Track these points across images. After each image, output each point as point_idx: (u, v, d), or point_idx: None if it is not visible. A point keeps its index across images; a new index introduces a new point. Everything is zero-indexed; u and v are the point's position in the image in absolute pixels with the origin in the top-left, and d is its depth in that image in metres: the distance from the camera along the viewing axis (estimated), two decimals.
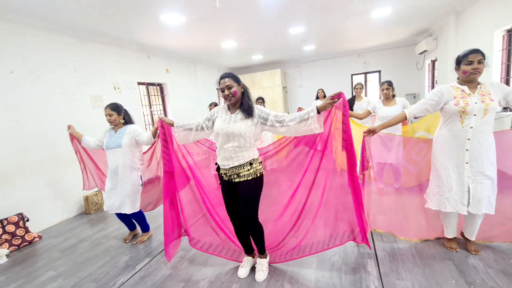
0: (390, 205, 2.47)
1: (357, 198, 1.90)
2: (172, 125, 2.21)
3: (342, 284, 1.92)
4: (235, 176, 1.86)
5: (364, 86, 4.44)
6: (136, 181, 2.67)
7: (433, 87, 7.02)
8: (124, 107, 2.74)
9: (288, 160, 2.19)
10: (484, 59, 1.84)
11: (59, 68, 3.78)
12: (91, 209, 3.89)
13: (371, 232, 2.55)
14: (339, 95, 1.73)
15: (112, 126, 2.70)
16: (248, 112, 1.82)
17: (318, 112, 1.71)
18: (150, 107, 5.83)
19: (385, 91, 3.20)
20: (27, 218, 3.17)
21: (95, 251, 2.77)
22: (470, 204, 1.94)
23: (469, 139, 1.88)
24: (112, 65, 4.67)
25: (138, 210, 2.73)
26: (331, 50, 7.97)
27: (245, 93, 1.88)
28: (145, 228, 2.91)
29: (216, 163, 1.98)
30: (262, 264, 2.08)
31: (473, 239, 2.12)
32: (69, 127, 3.00)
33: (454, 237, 2.20)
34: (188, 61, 6.96)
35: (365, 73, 8.64)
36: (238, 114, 1.86)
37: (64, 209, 3.77)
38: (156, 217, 3.35)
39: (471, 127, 1.87)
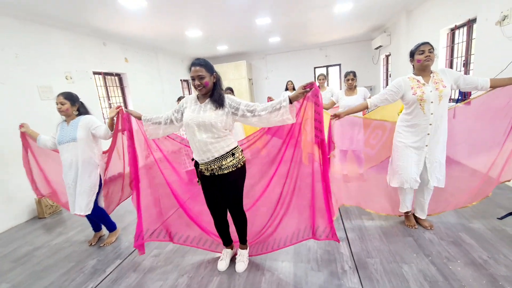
0: (355, 189, 2.67)
1: (327, 192, 1.82)
2: (139, 118, 2.08)
3: (318, 267, 2.03)
4: (217, 169, 1.80)
5: (326, 77, 4.63)
6: (94, 181, 2.42)
7: (387, 80, 7.61)
8: (80, 99, 2.49)
9: (263, 153, 2.16)
10: (433, 49, 2.07)
11: None
12: (45, 212, 3.52)
13: (339, 210, 2.71)
14: (311, 85, 1.67)
15: (64, 118, 2.43)
16: (218, 102, 1.74)
17: (291, 102, 1.66)
18: (109, 99, 5.39)
19: (350, 81, 3.38)
20: None
21: (55, 258, 2.52)
22: (429, 180, 2.19)
23: (430, 124, 2.10)
24: (62, 52, 4.19)
25: (90, 212, 2.44)
26: (295, 43, 8.13)
27: (217, 83, 1.79)
28: (111, 227, 2.72)
29: (193, 159, 1.91)
30: (243, 255, 2.10)
31: (424, 217, 2.40)
32: (21, 126, 2.62)
33: (412, 215, 2.46)
34: (149, 49, 6.54)
35: (327, 66, 9.01)
36: (208, 104, 1.77)
37: (12, 215, 3.35)
38: (122, 216, 3.16)
39: (432, 113, 2.08)
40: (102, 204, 2.63)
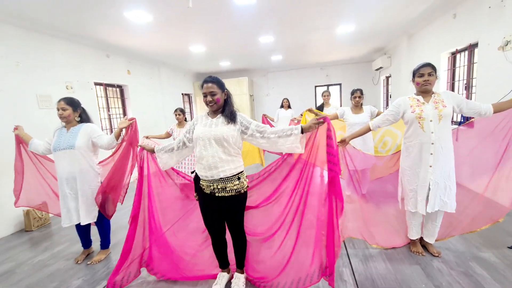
0: (357, 212, 2.55)
1: (333, 230, 1.69)
2: (153, 151, 2.03)
3: None
4: (220, 190, 1.72)
5: (330, 94, 4.66)
6: (95, 189, 2.36)
7: (387, 100, 7.66)
8: (83, 106, 2.43)
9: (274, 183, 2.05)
10: (435, 72, 2.04)
11: None
12: (32, 225, 3.35)
13: (344, 242, 2.59)
14: (324, 118, 1.67)
15: (64, 124, 2.36)
16: (230, 117, 1.72)
17: (302, 131, 1.65)
18: (108, 110, 5.34)
19: (357, 98, 3.35)
20: None
21: (38, 276, 2.35)
22: (433, 204, 2.07)
23: (432, 143, 2.03)
24: (64, 62, 4.19)
25: (95, 220, 2.41)
26: (297, 62, 8.24)
27: (228, 100, 1.78)
28: (106, 243, 2.58)
29: (193, 171, 1.83)
30: (239, 279, 1.95)
31: (433, 242, 2.28)
32: (16, 128, 2.54)
33: (419, 241, 2.33)
34: (152, 63, 6.59)
35: (328, 85, 9.09)
36: (220, 118, 1.75)
37: None
38: (114, 232, 2.98)
39: (432, 132, 2.03)
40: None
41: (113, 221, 2.65)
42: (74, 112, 2.32)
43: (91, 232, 2.62)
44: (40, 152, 2.45)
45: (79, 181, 2.29)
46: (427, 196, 2.09)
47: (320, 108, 4.67)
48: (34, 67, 3.71)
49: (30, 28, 3.64)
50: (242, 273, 2.00)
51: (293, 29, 4.84)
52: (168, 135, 4.01)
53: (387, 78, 7.58)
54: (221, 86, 1.75)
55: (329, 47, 6.47)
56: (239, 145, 1.78)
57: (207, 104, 1.73)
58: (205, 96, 1.72)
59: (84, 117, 2.41)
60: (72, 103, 2.32)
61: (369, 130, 2.33)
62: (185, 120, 4.00)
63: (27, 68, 3.60)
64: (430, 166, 2.06)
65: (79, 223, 2.38)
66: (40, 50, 3.81)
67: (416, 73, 2.10)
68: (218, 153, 1.69)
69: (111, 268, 2.39)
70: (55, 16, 3.46)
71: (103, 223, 2.51)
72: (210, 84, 1.69)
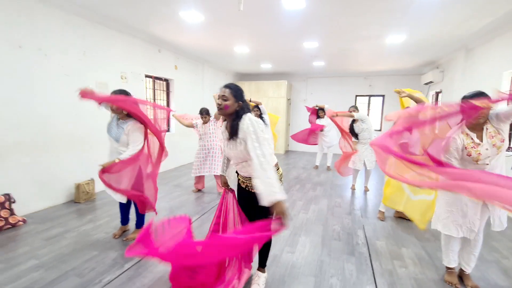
0: None
1: None
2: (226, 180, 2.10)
3: None
4: (250, 186, 1.82)
5: (356, 108, 4.53)
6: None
7: None
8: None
9: None
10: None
11: (67, 49, 3.68)
12: (81, 198, 3.74)
13: (370, 256, 2.52)
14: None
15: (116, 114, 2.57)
16: (233, 133, 1.69)
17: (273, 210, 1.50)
18: (154, 102, 5.73)
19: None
20: (14, 199, 3.02)
21: (81, 243, 2.63)
22: (492, 224, 1.94)
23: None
24: (121, 54, 4.59)
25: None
26: (339, 69, 8.06)
27: (240, 111, 1.69)
28: (141, 223, 2.79)
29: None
30: (260, 277, 2.00)
31: (469, 271, 2.10)
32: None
33: (454, 270, 2.17)
34: (197, 60, 6.92)
35: (369, 96, 8.75)
36: (226, 134, 1.80)
37: (52, 195, 3.61)
38: (146, 216, 3.22)
39: (487, 164, 1.87)
40: None
41: None
42: None
43: (130, 211, 2.85)
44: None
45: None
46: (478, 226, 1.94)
47: (351, 124, 4.48)
48: (96, 56, 4.12)
49: (96, 21, 4.05)
50: (264, 272, 2.03)
51: (339, 36, 4.76)
52: (191, 125, 4.17)
53: (437, 93, 7.07)
54: (236, 95, 1.69)
55: (375, 57, 6.23)
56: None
57: (217, 107, 1.75)
58: (218, 97, 1.73)
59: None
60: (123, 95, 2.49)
61: None
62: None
63: (90, 58, 4.02)
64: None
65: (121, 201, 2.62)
66: (103, 41, 4.23)
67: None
68: (239, 161, 1.79)
69: None
70: (118, 10, 3.81)
71: None
72: (225, 89, 1.69)
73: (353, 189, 4.78)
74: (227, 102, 1.67)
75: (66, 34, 3.64)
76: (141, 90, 5.11)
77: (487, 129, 1.87)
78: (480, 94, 1.83)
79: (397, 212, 3.47)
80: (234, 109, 1.69)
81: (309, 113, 6.50)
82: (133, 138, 2.45)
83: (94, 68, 4.09)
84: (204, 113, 4.05)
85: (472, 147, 1.87)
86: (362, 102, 8.88)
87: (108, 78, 4.34)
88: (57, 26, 3.53)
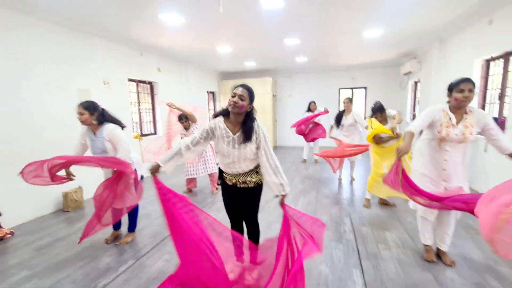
0: None
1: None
2: (157, 168, 1.94)
3: None
4: (241, 182, 1.92)
5: (351, 100, 4.61)
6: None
7: (414, 106, 7.41)
8: (101, 107, 2.54)
9: None
10: (474, 87, 1.94)
11: (46, 56, 3.63)
12: (69, 206, 3.71)
13: (356, 242, 2.65)
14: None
15: (88, 127, 2.54)
16: (247, 136, 1.77)
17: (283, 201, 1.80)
18: (139, 105, 5.70)
19: (378, 118, 3.37)
20: (0, 212, 2.98)
21: (73, 251, 2.64)
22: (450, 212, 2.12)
23: (446, 160, 2.05)
24: (103, 59, 4.55)
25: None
26: (322, 64, 8.21)
27: (251, 113, 1.83)
28: (133, 227, 2.83)
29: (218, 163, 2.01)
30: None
31: (446, 249, 2.27)
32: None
33: (431, 248, 2.33)
34: (180, 61, 6.90)
35: (352, 88, 8.96)
36: (241, 137, 1.80)
37: (40, 205, 3.57)
38: (138, 219, 3.25)
39: (447, 150, 2.04)
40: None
41: (140, 208, 2.90)
42: (90, 115, 2.43)
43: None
44: (82, 152, 2.64)
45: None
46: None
47: (340, 114, 4.63)
48: (77, 64, 4.07)
49: (75, 28, 4.00)
50: (258, 264, 2.12)
51: (319, 32, 4.87)
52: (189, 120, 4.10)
53: (416, 83, 7.33)
54: (251, 97, 1.80)
55: (355, 50, 6.39)
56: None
57: (230, 104, 1.75)
58: (233, 96, 1.75)
59: (101, 119, 2.48)
60: (88, 107, 2.44)
61: (413, 135, 2.03)
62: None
63: (70, 64, 3.97)
64: (444, 180, 2.09)
65: None
66: (83, 48, 4.18)
67: (455, 87, 1.97)
68: (240, 160, 1.85)
69: (136, 250, 2.63)
70: (97, 16, 3.77)
71: (133, 208, 2.73)
72: (243, 89, 1.76)
73: (339, 179, 4.93)
74: (243, 102, 1.74)
75: (44, 43, 3.59)
76: (124, 95, 5.07)
77: (466, 118, 2.01)
78: (468, 80, 1.94)
79: (381, 199, 3.63)
80: (246, 110, 1.78)
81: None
82: (118, 139, 2.45)
83: (75, 75, 4.04)
84: (184, 118, 4.02)
85: (446, 126, 2.01)
86: (345, 95, 9.07)
87: (90, 84, 4.30)
88: (35, 35, 3.48)
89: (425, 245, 2.34)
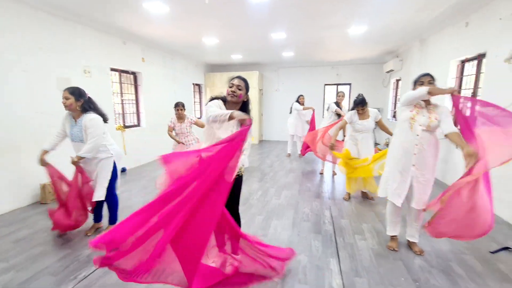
0: None
1: None
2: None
3: (306, 280, 2.06)
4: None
5: (329, 96, 4.91)
6: (106, 168, 2.60)
7: (395, 104, 7.66)
8: (88, 95, 2.53)
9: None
10: (434, 80, 2.21)
11: (22, 43, 3.46)
12: (47, 198, 3.62)
13: (334, 233, 2.77)
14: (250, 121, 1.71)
15: (70, 113, 2.52)
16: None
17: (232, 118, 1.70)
18: (122, 96, 5.56)
19: (360, 111, 3.49)
20: None
21: (53, 243, 2.60)
22: (413, 200, 2.26)
23: (416, 145, 2.20)
24: (83, 47, 4.39)
25: (102, 199, 2.65)
26: (308, 59, 8.28)
27: (247, 102, 2.01)
28: (114, 219, 2.82)
29: None
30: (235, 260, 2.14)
31: (416, 240, 2.43)
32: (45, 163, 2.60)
33: (395, 237, 2.50)
34: (165, 52, 6.75)
35: (337, 84, 9.11)
36: (238, 125, 1.89)
37: (16, 197, 3.46)
38: (121, 211, 3.22)
39: (418, 135, 2.19)
40: (117, 191, 2.83)
41: (121, 201, 2.88)
42: (76, 101, 2.42)
43: (102, 208, 2.85)
44: (58, 143, 2.62)
45: (90, 165, 2.56)
46: (406, 192, 2.27)
47: (336, 104, 5.00)
48: (55, 51, 3.91)
49: (53, 13, 3.83)
50: (238, 254, 2.18)
51: (305, 26, 4.91)
52: (172, 130, 4.11)
53: (397, 81, 7.57)
54: (247, 87, 1.97)
55: (340, 46, 6.49)
56: None
57: (229, 93, 1.90)
58: (231, 86, 1.90)
59: (85, 107, 2.47)
60: (75, 92, 2.43)
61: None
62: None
63: (48, 51, 3.81)
64: (413, 165, 2.23)
65: None
66: (62, 35, 4.01)
67: (417, 81, 2.28)
68: None
69: None
70: (78, 2, 3.63)
71: (111, 200, 2.75)
72: (240, 80, 1.93)
73: (321, 173, 5.08)
74: (241, 92, 1.91)
75: (19, 28, 3.42)
76: (106, 85, 4.93)
77: (430, 108, 2.22)
78: (427, 74, 2.23)
79: (362, 192, 3.80)
80: (243, 99, 1.97)
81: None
82: (92, 128, 2.43)
83: (53, 63, 3.89)
84: (180, 105, 4.03)
85: (417, 107, 2.24)
86: (330, 91, 9.24)
87: (70, 73, 4.15)
88: (9, 20, 3.30)
89: (391, 236, 2.51)
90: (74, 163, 2.50)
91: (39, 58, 3.69)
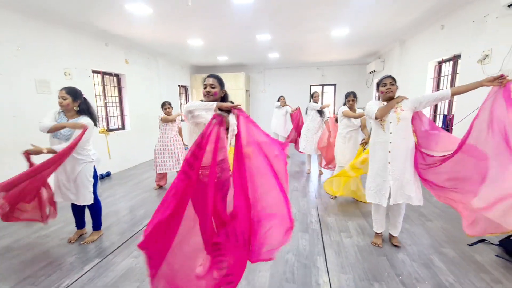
0: None
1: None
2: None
3: (294, 279, 2.09)
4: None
5: (320, 95, 4.96)
6: (88, 172, 2.52)
7: None
8: (84, 96, 2.51)
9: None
10: (395, 82, 2.34)
11: None
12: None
13: (321, 231, 2.82)
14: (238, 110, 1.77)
15: (63, 111, 2.44)
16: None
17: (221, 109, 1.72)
18: (105, 98, 5.44)
19: (350, 102, 3.66)
20: None
21: (33, 252, 2.51)
22: (395, 198, 2.33)
23: (391, 142, 2.30)
24: (63, 49, 4.27)
25: (92, 202, 2.58)
26: (293, 60, 8.38)
27: (224, 97, 1.98)
28: (98, 225, 2.74)
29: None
30: None
31: (396, 234, 2.54)
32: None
33: (380, 233, 2.58)
34: (150, 53, 6.66)
35: (322, 85, 9.27)
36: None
37: None
38: (106, 216, 3.16)
39: (391, 133, 2.29)
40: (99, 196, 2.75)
41: (105, 206, 2.82)
42: (73, 102, 2.39)
43: (85, 214, 2.77)
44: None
45: (72, 168, 2.45)
46: (389, 191, 2.34)
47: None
48: (34, 53, 3.79)
49: (31, 14, 3.71)
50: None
51: (289, 29, 4.97)
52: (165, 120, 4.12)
53: None
54: (221, 83, 1.96)
55: (325, 48, 6.61)
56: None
57: (205, 95, 1.92)
58: (205, 87, 1.91)
59: (82, 107, 2.45)
60: (72, 93, 2.39)
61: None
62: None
63: (27, 54, 3.68)
64: (389, 163, 2.32)
65: (74, 204, 2.55)
66: (41, 37, 3.89)
67: (380, 83, 2.39)
68: None
69: (102, 248, 2.57)
70: (57, 3, 3.53)
71: (94, 205, 2.66)
72: (211, 79, 1.92)
73: (308, 173, 5.15)
74: (215, 89, 1.91)
75: None
76: (88, 87, 4.81)
77: (397, 105, 2.31)
78: (388, 76, 2.36)
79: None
80: (220, 95, 1.95)
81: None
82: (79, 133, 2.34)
83: (32, 65, 3.76)
84: (167, 104, 4.10)
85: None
86: (315, 91, 9.36)
87: (49, 75, 4.02)
88: None
89: (376, 232, 2.60)
90: (39, 152, 2.31)
91: (16, 60, 3.55)
